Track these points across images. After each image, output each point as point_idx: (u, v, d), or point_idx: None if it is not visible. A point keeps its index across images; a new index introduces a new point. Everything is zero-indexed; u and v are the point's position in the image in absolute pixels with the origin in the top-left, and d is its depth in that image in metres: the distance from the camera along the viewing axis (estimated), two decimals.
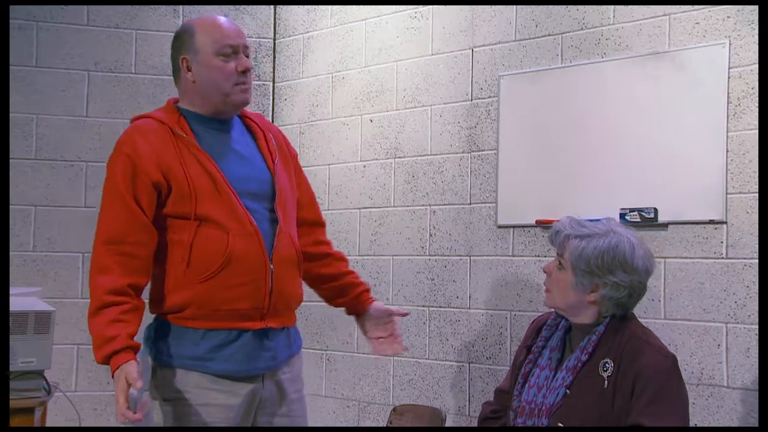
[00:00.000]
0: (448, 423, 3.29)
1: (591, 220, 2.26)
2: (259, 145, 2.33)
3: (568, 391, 2.12)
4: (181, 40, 2.26)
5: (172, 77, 2.33)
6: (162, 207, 2.17)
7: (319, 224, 2.52)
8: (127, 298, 2.13)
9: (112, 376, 2.08)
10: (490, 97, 3.34)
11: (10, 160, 3.72)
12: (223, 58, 2.21)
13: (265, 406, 2.26)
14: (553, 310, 2.30)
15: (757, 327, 2.65)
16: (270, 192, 2.27)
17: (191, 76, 2.24)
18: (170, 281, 2.18)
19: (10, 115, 3.74)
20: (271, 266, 2.19)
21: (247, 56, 2.27)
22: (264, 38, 3.99)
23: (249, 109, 2.39)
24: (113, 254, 2.15)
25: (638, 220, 2.88)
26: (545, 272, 2.27)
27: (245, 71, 2.24)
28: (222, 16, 2.30)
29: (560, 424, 2.11)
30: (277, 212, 2.25)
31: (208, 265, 2.15)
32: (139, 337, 2.16)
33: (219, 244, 2.15)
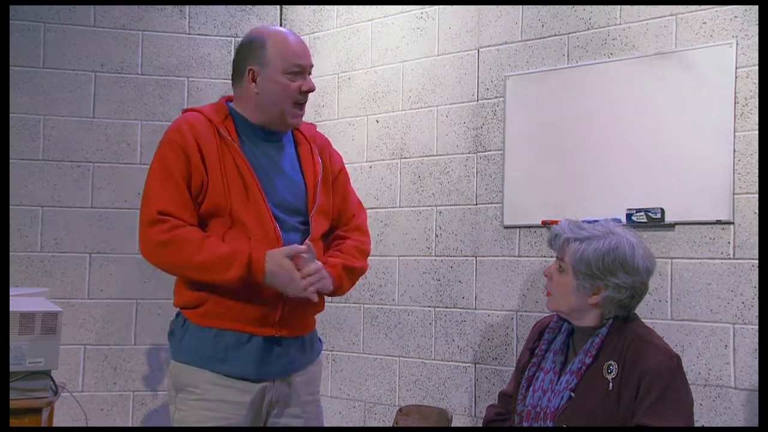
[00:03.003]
0: (454, 423, 3.29)
1: (590, 221, 2.25)
2: (302, 158, 2.36)
3: (572, 394, 2.11)
4: (250, 49, 2.28)
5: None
6: (200, 203, 2.21)
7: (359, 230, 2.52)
8: (204, 230, 2.19)
9: (262, 276, 2.12)
10: (496, 97, 3.33)
11: (18, 161, 3.74)
12: (290, 76, 2.25)
13: (276, 406, 2.28)
14: (554, 313, 2.30)
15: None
16: (304, 206, 2.30)
17: (255, 87, 2.26)
18: None
19: (18, 116, 3.76)
20: None
21: (310, 74, 2.31)
22: None
23: None
24: (169, 229, 2.14)
25: (645, 220, 2.87)
26: (546, 276, 2.26)
27: (307, 92, 2.28)
28: (291, 32, 2.32)
29: (564, 426, 2.10)
30: (310, 225, 2.28)
31: None
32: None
33: None
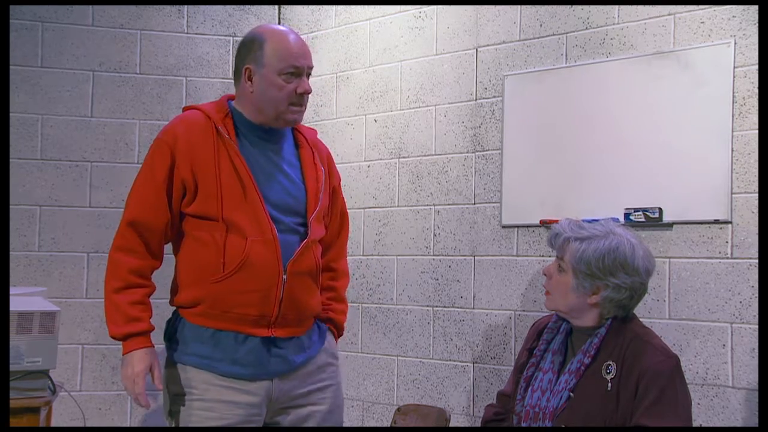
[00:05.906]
0: (453, 423, 3.29)
1: (589, 221, 2.25)
2: (303, 160, 2.36)
3: (571, 394, 2.11)
4: (249, 49, 2.28)
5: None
6: (188, 205, 2.22)
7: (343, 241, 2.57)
8: (148, 282, 2.24)
9: (125, 354, 2.18)
10: (494, 96, 3.33)
11: (16, 161, 3.74)
12: (286, 77, 2.24)
13: (277, 404, 2.28)
14: (553, 312, 2.30)
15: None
16: (302, 207, 2.30)
17: (250, 86, 2.26)
18: (190, 276, 2.23)
19: (16, 115, 3.75)
20: (284, 276, 2.21)
21: (309, 76, 2.30)
22: None
23: None
24: (137, 236, 2.22)
25: (643, 220, 2.87)
26: (545, 275, 2.26)
27: (303, 94, 2.27)
28: (293, 32, 2.31)
29: (563, 426, 2.10)
30: (308, 226, 2.28)
31: (224, 267, 2.19)
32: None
33: (236, 248, 2.18)
